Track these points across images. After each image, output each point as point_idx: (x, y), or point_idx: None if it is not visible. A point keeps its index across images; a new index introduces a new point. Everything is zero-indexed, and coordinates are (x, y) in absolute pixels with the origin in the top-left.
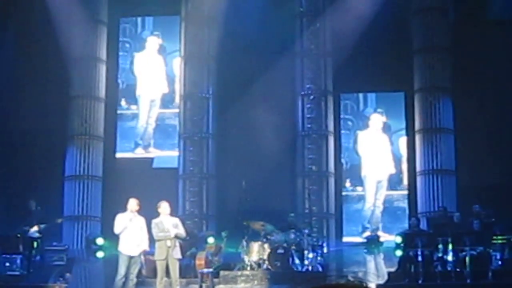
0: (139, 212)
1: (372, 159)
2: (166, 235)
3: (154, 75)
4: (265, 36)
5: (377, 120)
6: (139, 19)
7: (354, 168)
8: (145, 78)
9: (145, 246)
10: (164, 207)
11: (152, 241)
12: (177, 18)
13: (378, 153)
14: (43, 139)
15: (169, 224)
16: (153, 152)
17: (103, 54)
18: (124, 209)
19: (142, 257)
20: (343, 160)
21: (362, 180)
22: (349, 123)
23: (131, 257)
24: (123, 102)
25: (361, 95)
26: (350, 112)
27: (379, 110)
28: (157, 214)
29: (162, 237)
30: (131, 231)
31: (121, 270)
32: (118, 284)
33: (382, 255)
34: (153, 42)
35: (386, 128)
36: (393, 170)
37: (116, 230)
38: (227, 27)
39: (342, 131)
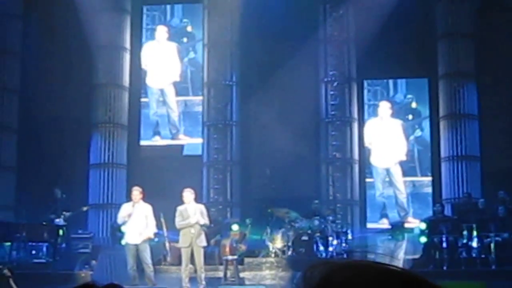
0: (145, 200)
1: (380, 147)
2: (187, 222)
3: (163, 64)
4: (288, 23)
5: (385, 107)
6: (168, 6)
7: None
8: (153, 68)
9: (150, 234)
10: (185, 195)
11: (172, 228)
12: (201, 5)
13: (386, 141)
14: (67, 128)
15: (192, 211)
16: (182, 139)
17: (126, 42)
18: (147, 196)
19: (167, 244)
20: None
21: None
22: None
23: (136, 246)
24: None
25: (391, 81)
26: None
27: (409, 96)
28: (174, 202)
29: (184, 225)
30: (133, 220)
31: (129, 260)
32: (130, 273)
33: (404, 242)
34: (161, 30)
35: (417, 115)
36: (403, 157)
37: (119, 220)
38: (250, 14)
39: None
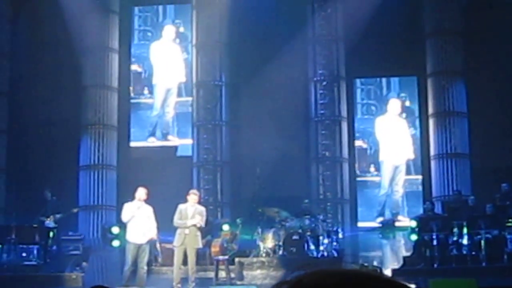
0: (147, 201)
1: (390, 144)
2: (183, 222)
3: (171, 63)
4: (276, 22)
5: (395, 105)
6: (160, 7)
7: (378, 153)
8: (161, 67)
9: (152, 235)
10: (191, 198)
11: (163, 229)
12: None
13: (396, 138)
14: (57, 130)
15: (191, 212)
16: (173, 141)
17: (115, 43)
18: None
19: (158, 245)
20: (366, 146)
21: (380, 165)
22: (373, 108)
23: (138, 246)
24: (145, 91)
25: (384, 80)
26: (373, 97)
27: (402, 94)
28: (165, 203)
29: (180, 224)
30: (138, 220)
31: (128, 260)
32: (126, 274)
33: (402, 240)
34: (169, 30)
35: (410, 113)
36: (411, 155)
37: (124, 218)
38: (239, 14)
39: (366, 116)
